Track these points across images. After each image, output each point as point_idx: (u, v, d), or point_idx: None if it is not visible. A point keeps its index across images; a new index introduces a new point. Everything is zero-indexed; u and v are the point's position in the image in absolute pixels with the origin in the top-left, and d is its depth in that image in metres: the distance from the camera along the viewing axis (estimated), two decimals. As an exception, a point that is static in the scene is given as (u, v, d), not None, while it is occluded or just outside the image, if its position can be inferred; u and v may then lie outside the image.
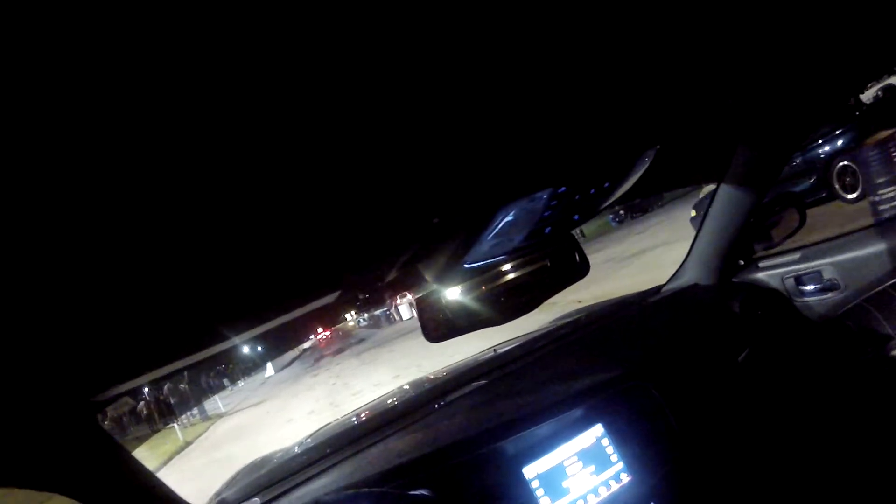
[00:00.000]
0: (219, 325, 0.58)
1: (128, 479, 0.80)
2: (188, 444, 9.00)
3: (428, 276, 0.71)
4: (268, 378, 21.42)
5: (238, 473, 1.44)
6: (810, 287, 1.20)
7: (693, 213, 6.38)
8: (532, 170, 0.52)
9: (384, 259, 0.64)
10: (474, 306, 0.77)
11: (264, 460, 1.46)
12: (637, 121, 0.56)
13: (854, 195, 4.79)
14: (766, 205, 1.23)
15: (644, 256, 7.33)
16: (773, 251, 1.27)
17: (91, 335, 0.47)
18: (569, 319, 1.49)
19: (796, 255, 1.22)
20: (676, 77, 0.51)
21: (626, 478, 0.95)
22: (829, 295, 1.16)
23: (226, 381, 27.14)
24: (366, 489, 0.88)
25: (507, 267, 0.77)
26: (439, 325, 0.79)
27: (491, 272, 0.76)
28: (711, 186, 1.29)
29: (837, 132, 4.95)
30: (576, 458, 0.94)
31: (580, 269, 0.81)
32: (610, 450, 0.96)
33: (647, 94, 0.51)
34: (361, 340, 18.78)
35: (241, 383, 24.24)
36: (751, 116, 1.01)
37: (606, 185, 0.64)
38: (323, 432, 1.45)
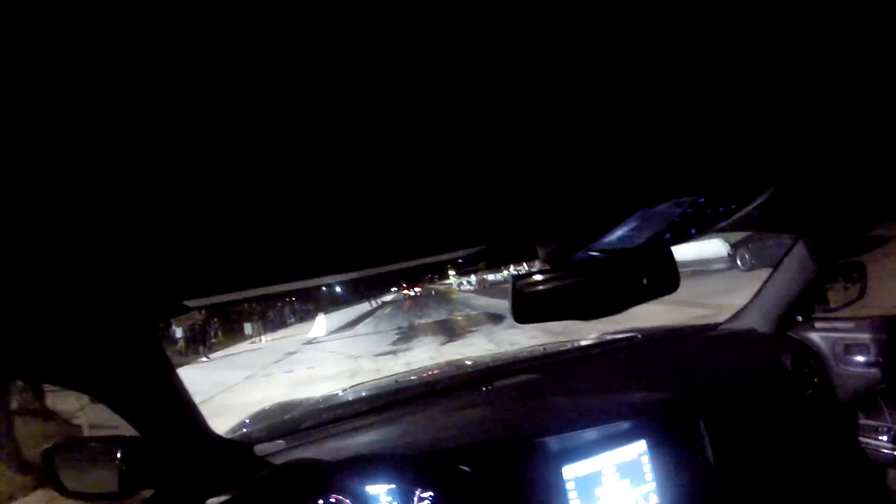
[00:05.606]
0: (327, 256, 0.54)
1: (170, 394, 0.83)
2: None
3: (540, 253, 0.73)
4: (310, 342, 12.61)
5: (262, 413, 1.42)
6: (857, 358, 1.22)
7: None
8: (691, 175, 0.55)
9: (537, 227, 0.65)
10: (569, 296, 0.78)
11: (291, 405, 1.44)
12: (790, 154, 0.59)
13: None
14: (834, 269, 1.26)
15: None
16: (830, 315, 1.29)
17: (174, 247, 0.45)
18: (623, 335, 1.47)
19: (851, 324, 1.24)
20: (843, 124, 0.52)
21: (654, 499, 0.98)
22: (871, 370, 1.18)
23: (248, 327, 19.70)
24: (408, 453, 0.88)
25: (609, 265, 0.78)
26: (532, 307, 0.77)
27: (593, 266, 0.76)
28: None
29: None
30: (614, 468, 0.97)
31: (671, 284, 0.81)
32: (647, 468, 0.99)
33: (815, 134, 0.53)
34: (499, 318, 9.77)
35: (264, 339, 16.85)
36: (848, 184, 1.01)
37: (733, 206, 0.66)
38: (357, 390, 1.45)
